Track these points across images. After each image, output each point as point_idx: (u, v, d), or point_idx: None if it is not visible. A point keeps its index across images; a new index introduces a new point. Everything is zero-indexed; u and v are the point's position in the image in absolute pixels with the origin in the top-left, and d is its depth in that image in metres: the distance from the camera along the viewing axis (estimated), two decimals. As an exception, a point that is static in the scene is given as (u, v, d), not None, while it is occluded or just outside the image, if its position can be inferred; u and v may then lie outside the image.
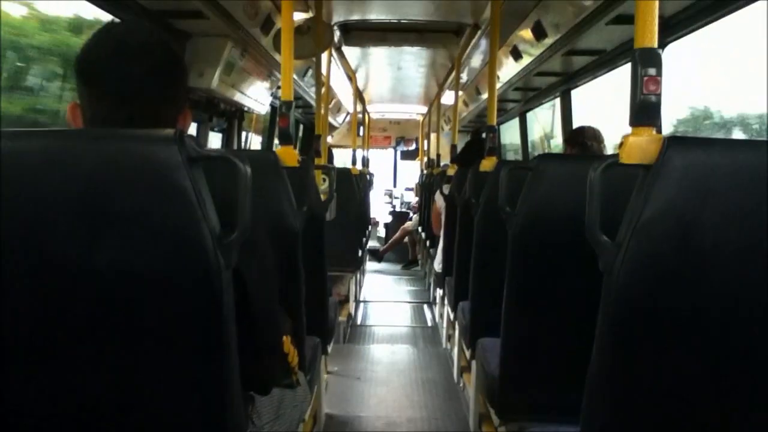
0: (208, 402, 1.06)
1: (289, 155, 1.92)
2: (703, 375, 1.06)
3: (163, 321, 1.02)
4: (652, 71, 1.06)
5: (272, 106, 4.94)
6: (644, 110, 1.08)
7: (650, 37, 1.09)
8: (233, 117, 4.24)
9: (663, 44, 2.79)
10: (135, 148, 1.01)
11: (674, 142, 1.03)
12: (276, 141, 5.51)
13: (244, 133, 4.74)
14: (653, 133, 1.08)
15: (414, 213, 8.69)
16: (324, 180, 3.14)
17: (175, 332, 1.03)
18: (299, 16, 3.61)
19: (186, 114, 1.24)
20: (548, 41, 3.41)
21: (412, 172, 10.53)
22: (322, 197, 2.77)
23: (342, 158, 9.04)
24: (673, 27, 2.66)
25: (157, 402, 1.05)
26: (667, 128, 3.42)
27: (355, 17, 4.15)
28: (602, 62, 3.57)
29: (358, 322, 5.06)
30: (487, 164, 2.70)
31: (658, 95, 1.07)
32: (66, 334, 1.03)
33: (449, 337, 4.03)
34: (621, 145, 1.07)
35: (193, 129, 3.81)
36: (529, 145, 5.96)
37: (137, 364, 1.04)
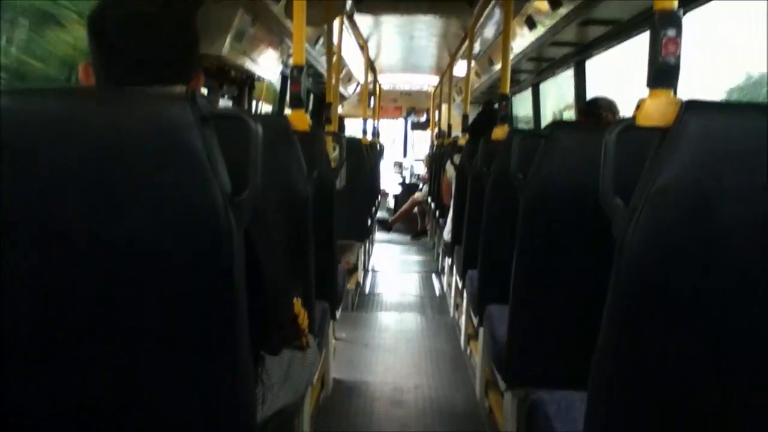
0: (220, 360, 1.07)
1: (300, 119, 1.91)
2: (707, 354, 1.04)
3: (175, 283, 1.03)
4: (671, 33, 1.04)
5: (282, 75, 4.91)
6: (663, 72, 1.06)
7: (670, -2, 1.07)
8: (244, 84, 4.22)
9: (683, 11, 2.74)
10: (146, 107, 1.01)
11: (692, 104, 1.01)
12: (287, 110, 5.49)
13: (254, 102, 4.73)
14: (671, 95, 1.06)
15: (424, 184, 8.68)
16: (334, 148, 3.13)
17: (187, 293, 1.04)
18: (311, -18, 3.57)
19: (198, 79, 1.25)
20: (563, 11, 3.36)
21: (422, 143, 10.50)
22: (333, 165, 2.77)
23: (352, 129, 9.02)
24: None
25: (168, 360, 1.07)
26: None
27: (368, -17, 4.11)
28: (618, 32, 3.52)
29: (367, 291, 5.09)
30: (500, 133, 2.69)
31: (678, 57, 1.05)
32: (79, 308, 1.03)
33: (457, 306, 4.05)
34: (638, 107, 1.06)
35: (203, 95, 3.80)
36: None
37: (151, 325, 1.05)
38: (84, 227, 0.99)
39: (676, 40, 1.04)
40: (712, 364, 1.06)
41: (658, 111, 1.03)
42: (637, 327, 1.06)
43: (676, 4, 1.06)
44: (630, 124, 1.05)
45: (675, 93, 1.07)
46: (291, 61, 2.14)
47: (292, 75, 2.01)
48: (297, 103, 1.95)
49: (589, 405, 1.15)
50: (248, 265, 1.08)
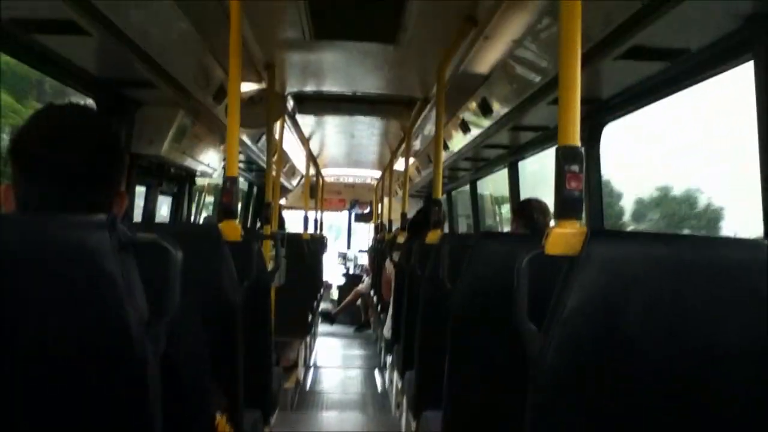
0: None
1: (231, 230, 1.92)
2: None
3: (88, 407, 1.00)
4: (574, 168, 1.12)
5: (224, 183, 4.92)
6: (568, 204, 1.13)
7: (573, 135, 1.15)
8: (184, 181, 4.22)
9: (602, 125, 2.91)
10: (64, 233, 1.00)
11: (597, 234, 1.08)
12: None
13: (196, 196, 4.72)
14: (577, 225, 1.12)
15: (367, 276, 8.68)
16: (273, 246, 3.13)
17: (99, 418, 1.01)
18: (252, 87, 3.67)
19: (122, 196, 1.24)
20: (494, 116, 3.53)
21: (366, 234, 10.57)
22: (270, 265, 2.77)
23: (298, 218, 9.04)
24: (613, 108, 2.78)
25: None
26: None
27: (309, 88, 4.23)
28: (547, 137, 3.69)
29: (308, 388, 4.97)
30: (433, 237, 2.75)
31: (580, 191, 1.12)
32: None
33: (398, 405, 3.98)
34: (546, 236, 1.11)
35: (142, 193, 3.78)
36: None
37: None
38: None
39: (579, 175, 1.11)
40: None
41: (564, 240, 1.08)
42: None
43: (578, 141, 1.14)
44: (539, 253, 1.10)
45: (582, 223, 1.14)
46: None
47: (224, 185, 2.03)
48: (228, 214, 1.96)
49: None
50: (168, 386, 1.06)
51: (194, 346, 1.25)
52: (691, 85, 2.26)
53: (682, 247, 1.12)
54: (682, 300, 1.07)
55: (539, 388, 1.08)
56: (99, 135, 1.19)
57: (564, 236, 1.09)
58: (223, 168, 4.70)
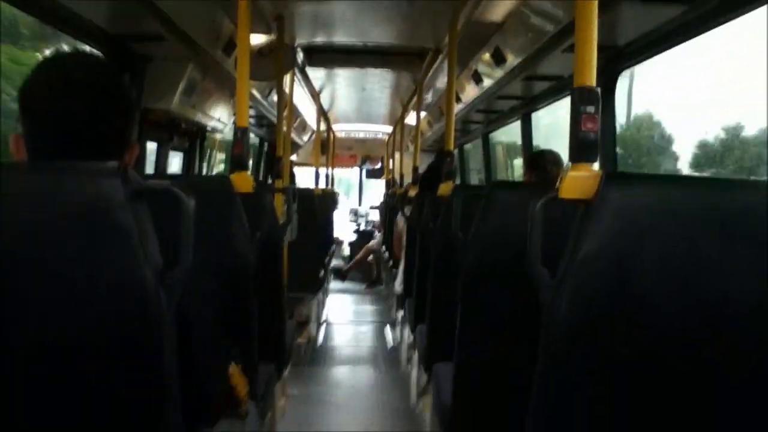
0: None
1: (243, 181, 1.91)
2: (637, 413, 1.07)
3: (104, 361, 1.01)
4: (590, 109, 1.09)
5: (235, 125, 4.91)
6: (583, 147, 1.10)
7: (589, 76, 1.11)
8: (195, 137, 4.21)
9: (617, 72, 2.86)
10: (76, 182, 0.99)
11: (612, 178, 1.05)
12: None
13: (207, 152, 4.71)
14: (592, 168, 1.10)
15: (378, 232, 8.70)
16: (285, 201, 3.13)
17: (116, 371, 1.01)
18: (261, 38, 3.61)
19: (134, 148, 1.24)
20: (507, 66, 3.47)
21: (377, 190, 10.56)
22: (281, 219, 2.77)
23: (309, 176, 9.03)
24: (628, 55, 2.72)
25: None
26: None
27: (319, 40, 4.17)
28: (561, 87, 3.64)
29: (320, 344, 5.04)
30: (445, 189, 2.73)
31: (596, 132, 1.09)
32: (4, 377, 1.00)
33: (409, 359, 4.03)
34: (561, 179, 1.09)
35: (153, 149, 3.78)
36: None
37: (78, 400, 1.02)
38: (11, 303, 0.97)
39: (594, 116, 1.08)
40: (640, 424, 1.08)
41: (579, 184, 1.06)
42: (567, 386, 1.08)
43: (594, 81, 1.11)
44: (553, 196, 1.08)
45: (600, 165, 1.11)
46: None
47: (235, 136, 2.02)
48: (239, 165, 1.95)
49: None
50: (181, 337, 1.07)
51: (205, 297, 1.25)
52: (708, 29, 2.19)
53: (699, 191, 1.09)
54: (696, 248, 1.05)
55: (551, 335, 1.07)
56: (103, 82, 1.18)
57: (579, 180, 1.07)
58: (234, 122, 4.70)
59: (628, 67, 2.84)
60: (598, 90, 1.10)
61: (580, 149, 1.10)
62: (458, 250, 1.90)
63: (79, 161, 1.10)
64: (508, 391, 1.77)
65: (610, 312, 1.04)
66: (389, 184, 8.13)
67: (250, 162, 6.19)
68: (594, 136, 1.09)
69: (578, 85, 1.11)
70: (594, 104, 1.09)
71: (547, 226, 1.11)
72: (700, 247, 1.04)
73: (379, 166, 10.24)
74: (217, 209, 1.80)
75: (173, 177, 3.11)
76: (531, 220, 1.09)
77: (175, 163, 4.26)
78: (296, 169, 6.84)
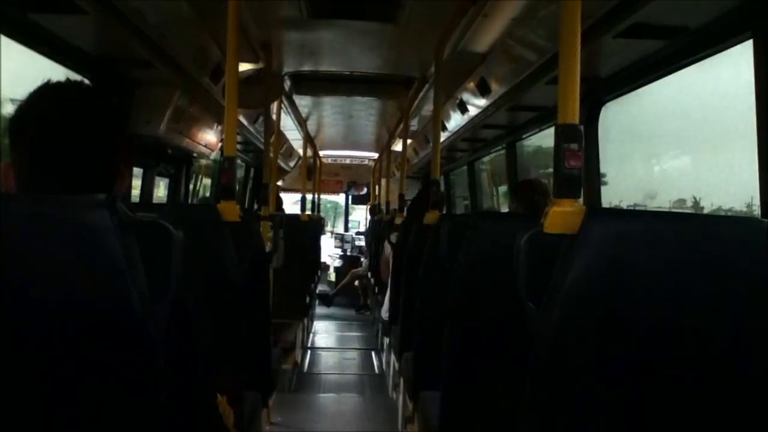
0: None
1: (230, 210, 1.92)
2: None
3: (90, 388, 1.00)
4: (574, 146, 1.11)
5: (221, 151, 4.93)
6: (567, 182, 1.12)
7: (572, 113, 1.14)
8: (181, 163, 4.21)
9: (601, 103, 2.91)
10: (64, 213, 1.00)
11: (595, 213, 1.08)
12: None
13: (193, 177, 4.71)
14: (575, 204, 1.12)
15: (365, 257, 8.69)
16: (271, 228, 3.13)
17: (102, 399, 1.01)
18: (248, 67, 3.64)
19: (123, 175, 1.24)
20: (492, 96, 3.51)
21: (364, 215, 10.59)
22: (268, 246, 2.77)
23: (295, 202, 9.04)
24: (612, 86, 2.77)
25: None
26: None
27: (306, 68, 4.20)
28: (545, 117, 3.69)
29: (305, 370, 5.00)
30: (431, 217, 2.75)
31: (579, 168, 1.12)
32: None
33: (395, 386, 4.01)
34: (545, 215, 1.11)
35: (139, 174, 3.77)
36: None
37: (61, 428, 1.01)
38: None
39: (578, 153, 1.11)
40: None
41: (563, 219, 1.09)
42: (557, 414, 1.10)
43: (577, 119, 1.14)
44: (537, 231, 1.11)
45: (580, 201, 1.14)
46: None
47: (222, 166, 2.03)
48: (227, 194, 1.95)
49: None
50: (170, 366, 1.07)
51: (197, 326, 1.25)
52: (689, 64, 2.25)
53: (681, 226, 1.12)
54: (680, 281, 1.08)
55: (539, 366, 1.09)
56: (96, 112, 1.17)
57: (562, 215, 1.09)
58: (220, 149, 4.71)
59: (611, 99, 2.89)
60: (581, 127, 1.13)
61: (564, 185, 1.12)
62: (445, 278, 1.91)
63: (70, 192, 1.11)
64: (496, 420, 1.78)
65: (595, 341, 1.06)
66: (374, 211, 8.15)
67: (237, 187, 6.17)
68: (577, 172, 1.11)
69: (562, 122, 1.14)
70: (577, 141, 1.11)
71: (533, 256, 1.13)
72: (684, 278, 1.06)
73: (364, 191, 10.27)
74: (205, 238, 1.81)
75: (160, 206, 3.10)
76: (516, 254, 1.11)
77: (160, 186, 4.26)
78: (283, 195, 6.84)
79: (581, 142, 1.12)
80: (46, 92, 1.18)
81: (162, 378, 1.02)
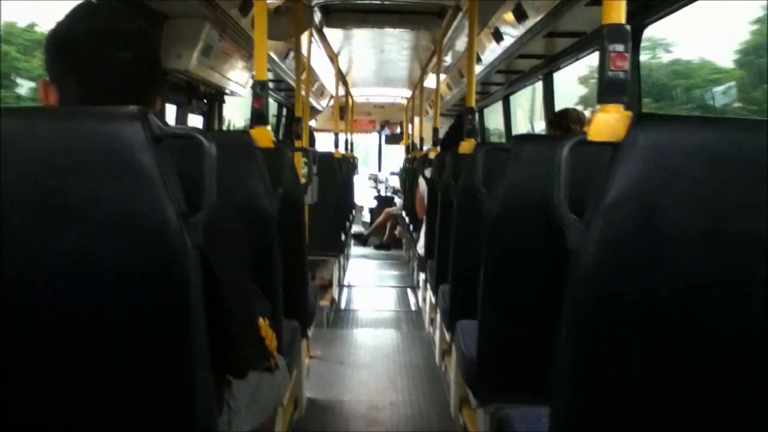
0: (176, 384, 1.05)
1: (263, 136, 1.90)
2: (663, 362, 1.06)
3: (128, 304, 1.01)
4: (619, 47, 1.05)
5: (253, 89, 4.89)
6: (612, 87, 1.07)
7: (618, 13, 1.08)
8: (213, 99, 4.20)
9: (643, 26, 2.79)
10: (97, 126, 0.99)
11: (642, 119, 1.02)
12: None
13: (226, 121, 4.69)
14: (621, 110, 1.07)
15: (399, 197, 8.68)
16: (305, 164, 3.12)
17: (141, 314, 1.02)
18: (278, -4, 3.57)
19: (156, 101, 1.24)
20: (529, 23, 3.40)
21: (397, 156, 10.53)
22: (302, 180, 2.76)
23: (328, 143, 9.03)
24: (653, 8, 2.65)
25: (120, 384, 1.04)
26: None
27: (337, -1, 4.12)
28: (583, 44, 3.57)
29: (342, 307, 5.06)
30: (466, 146, 2.70)
31: (626, 71, 1.06)
32: (27, 320, 1.01)
33: (432, 321, 4.04)
34: (589, 121, 1.06)
35: (172, 111, 3.77)
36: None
37: (103, 346, 1.02)
38: (34, 242, 0.97)
39: (624, 54, 1.05)
40: (669, 371, 1.07)
41: (608, 126, 1.03)
42: (594, 331, 1.07)
43: (624, 18, 1.07)
44: (581, 139, 1.06)
45: (627, 107, 1.08)
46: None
47: (254, 91, 2.00)
48: (259, 119, 1.93)
49: (551, 420, 1.14)
50: (208, 287, 1.06)
51: (234, 248, 1.25)
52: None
53: (731, 133, 1.05)
54: (727, 188, 1.02)
55: (579, 279, 1.05)
56: (143, 36, 1.19)
57: (608, 121, 1.04)
58: (252, 87, 4.68)
59: (654, 21, 2.77)
60: (628, 27, 1.07)
61: (609, 89, 1.06)
62: (482, 205, 1.87)
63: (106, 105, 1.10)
64: (533, 343, 1.76)
65: (639, 254, 1.02)
66: (408, 149, 8.08)
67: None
68: (624, 75, 1.06)
69: (607, 22, 1.07)
70: (623, 42, 1.05)
71: (572, 175, 1.09)
72: (731, 187, 1.01)
73: (398, 131, 10.18)
74: (238, 163, 1.79)
75: (192, 129, 3.10)
76: (558, 164, 1.06)
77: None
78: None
79: (627, 43, 1.05)
80: (88, 10, 1.17)
81: (200, 294, 1.02)
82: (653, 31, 2.55)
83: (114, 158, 0.97)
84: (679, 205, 1.01)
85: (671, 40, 3.77)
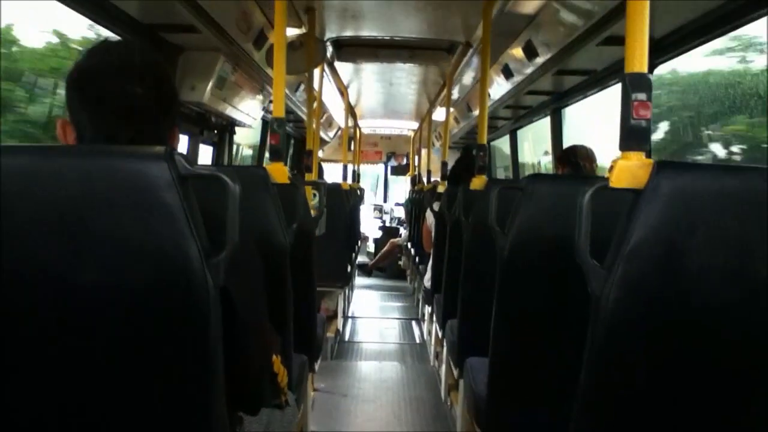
0: (193, 421, 1.05)
1: (279, 172, 1.91)
2: (687, 402, 1.06)
3: (148, 341, 1.01)
4: (642, 96, 1.07)
5: (263, 120, 4.94)
6: (634, 135, 1.08)
7: (640, 61, 1.09)
8: (224, 130, 4.23)
9: (653, 66, 2.82)
10: (123, 165, 1.00)
11: (664, 166, 1.03)
12: (267, 155, 5.49)
13: (234, 147, 4.73)
14: (643, 157, 1.08)
15: (404, 228, 8.69)
16: (314, 195, 3.13)
17: (160, 352, 1.02)
18: (292, 32, 3.62)
19: (175, 131, 1.25)
20: (539, 60, 3.44)
21: (402, 186, 10.56)
22: (312, 213, 2.77)
23: (333, 173, 9.07)
24: (664, 49, 2.68)
25: (138, 423, 1.04)
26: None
27: (348, 34, 4.16)
28: (592, 82, 3.60)
29: (347, 338, 5.04)
30: (478, 183, 2.71)
31: (648, 120, 1.07)
32: (46, 354, 1.01)
33: (437, 355, 4.01)
34: (611, 169, 1.07)
35: (184, 141, 3.80)
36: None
37: (121, 381, 1.02)
38: (56, 276, 0.98)
39: (647, 103, 1.06)
40: (693, 416, 1.07)
41: (630, 173, 1.05)
42: (617, 373, 1.07)
43: (646, 68, 1.09)
44: (603, 185, 1.07)
45: (648, 155, 1.09)
46: (272, 108, 2.15)
47: (272, 127, 2.02)
48: (276, 155, 1.95)
49: None
50: (227, 323, 1.07)
51: (252, 282, 1.25)
52: (747, 23, 2.15)
53: (753, 180, 1.06)
54: (749, 237, 1.03)
55: (601, 324, 1.05)
56: (159, 69, 1.20)
57: (630, 168, 1.05)
58: (262, 118, 4.72)
59: (664, 61, 2.80)
60: (650, 76, 1.08)
61: (631, 137, 1.08)
62: (494, 242, 1.88)
63: (129, 144, 1.11)
64: (546, 383, 1.76)
65: (662, 296, 1.03)
66: (414, 181, 8.11)
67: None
68: (646, 124, 1.07)
69: (629, 71, 1.09)
70: (646, 91, 1.07)
71: (591, 216, 1.10)
72: (753, 231, 1.02)
73: (404, 162, 10.23)
74: (255, 198, 1.81)
75: (209, 167, 3.13)
76: (580, 209, 1.07)
77: (203, 156, 4.29)
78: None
79: (650, 92, 1.07)
80: (105, 48, 1.19)
81: (220, 333, 1.03)
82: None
83: (139, 196, 0.98)
84: (703, 248, 1.02)
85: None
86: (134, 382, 1.03)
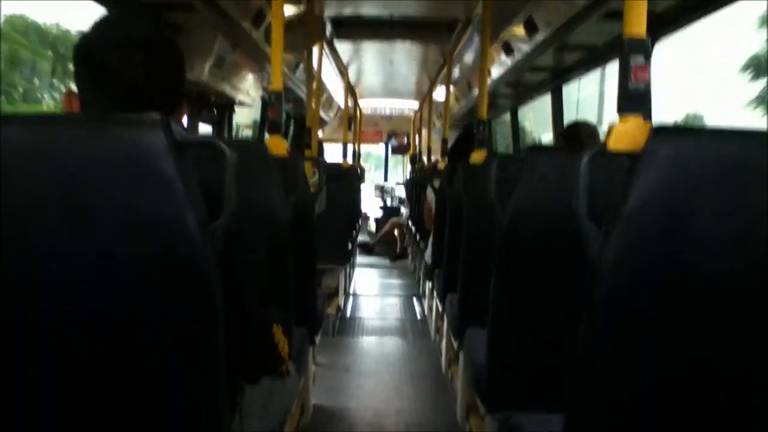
0: (190, 391, 1.06)
1: (278, 145, 1.92)
2: (682, 370, 1.06)
3: (147, 309, 1.02)
4: (640, 60, 1.07)
5: (263, 100, 4.94)
6: (633, 98, 1.08)
7: (639, 26, 1.09)
8: (224, 110, 4.23)
9: (654, 40, 2.80)
10: (120, 134, 1.01)
11: (662, 130, 1.03)
12: (266, 135, 5.49)
13: (234, 127, 4.73)
14: (641, 121, 1.08)
15: (405, 207, 8.70)
16: (314, 173, 3.14)
17: (159, 320, 1.03)
18: (290, 10, 3.60)
19: (183, 107, 1.26)
20: (539, 37, 3.42)
21: (402, 165, 10.58)
22: (312, 190, 2.77)
23: (335, 155, 9.05)
24: (664, 23, 2.66)
25: (137, 389, 1.05)
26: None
27: (348, 12, 4.15)
28: (593, 58, 3.58)
29: (348, 315, 5.07)
30: (477, 157, 2.71)
31: (647, 83, 1.07)
32: (47, 323, 1.02)
33: (438, 329, 4.04)
34: (609, 133, 1.08)
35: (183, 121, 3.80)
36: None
37: (121, 350, 1.04)
38: (57, 244, 0.99)
39: (646, 66, 1.06)
40: (690, 378, 1.08)
41: (628, 136, 1.05)
42: (614, 338, 1.08)
43: (645, 31, 1.09)
44: (601, 149, 1.07)
45: (647, 118, 1.09)
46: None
47: (270, 101, 2.02)
48: (274, 128, 1.95)
49: (566, 426, 1.15)
50: (227, 291, 1.08)
51: (252, 253, 1.26)
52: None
53: (753, 145, 1.07)
54: (750, 200, 1.03)
55: (599, 287, 1.06)
56: (165, 43, 1.20)
57: (628, 132, 1.06)
58: (261, 98, 4.71)
59: (665, 34, 2.78)
60: (649, 39, 1.08)
61: (630, 101, 1.08)
62: (494, 215, 1.89)
63: (130, 114, 1.12)
64: (544, 349, 1.77)
65: (662, 259, 1.03)
66: (414, 160, 8.10)
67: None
68: (645, 87, 1.07)
69: (628, 35, 1.09)
70: (645, 54, 1.07)
71: (590, 185, 1.10)
72: (755, 194, 1.02)
73: (405, 142, 10.22)
74: (254, 171, 1.81)
75: (213, 137, 3.13)
76: (578, 174, 1.07)
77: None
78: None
79: (649, 55, 1.07)
80: (115, 20, 1.19)
81: (219, 301, 1.04)
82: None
83: (136, 165, 0.98)
84: (703, 212, 1.02)
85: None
86: (134, 349, 1.04)
